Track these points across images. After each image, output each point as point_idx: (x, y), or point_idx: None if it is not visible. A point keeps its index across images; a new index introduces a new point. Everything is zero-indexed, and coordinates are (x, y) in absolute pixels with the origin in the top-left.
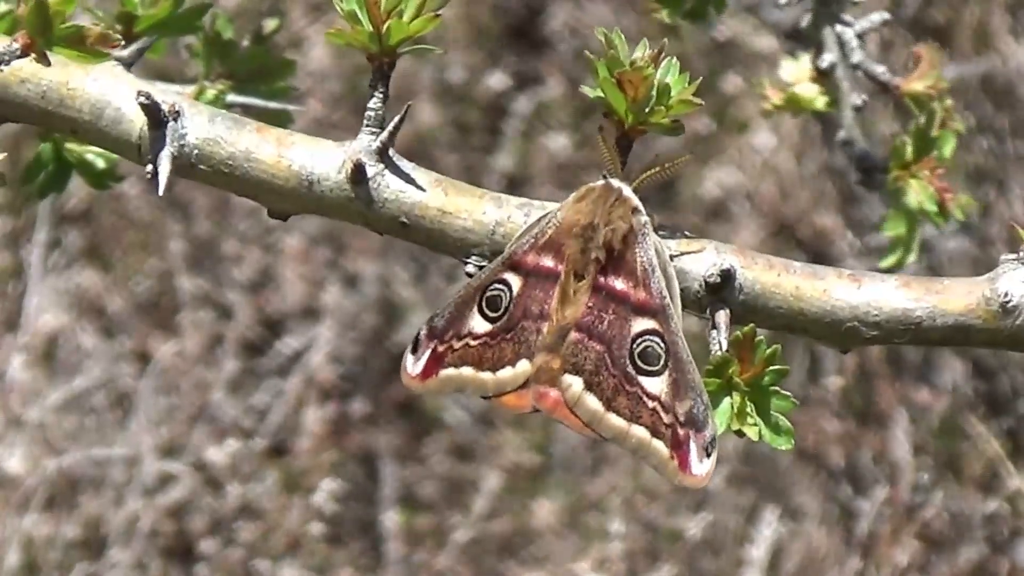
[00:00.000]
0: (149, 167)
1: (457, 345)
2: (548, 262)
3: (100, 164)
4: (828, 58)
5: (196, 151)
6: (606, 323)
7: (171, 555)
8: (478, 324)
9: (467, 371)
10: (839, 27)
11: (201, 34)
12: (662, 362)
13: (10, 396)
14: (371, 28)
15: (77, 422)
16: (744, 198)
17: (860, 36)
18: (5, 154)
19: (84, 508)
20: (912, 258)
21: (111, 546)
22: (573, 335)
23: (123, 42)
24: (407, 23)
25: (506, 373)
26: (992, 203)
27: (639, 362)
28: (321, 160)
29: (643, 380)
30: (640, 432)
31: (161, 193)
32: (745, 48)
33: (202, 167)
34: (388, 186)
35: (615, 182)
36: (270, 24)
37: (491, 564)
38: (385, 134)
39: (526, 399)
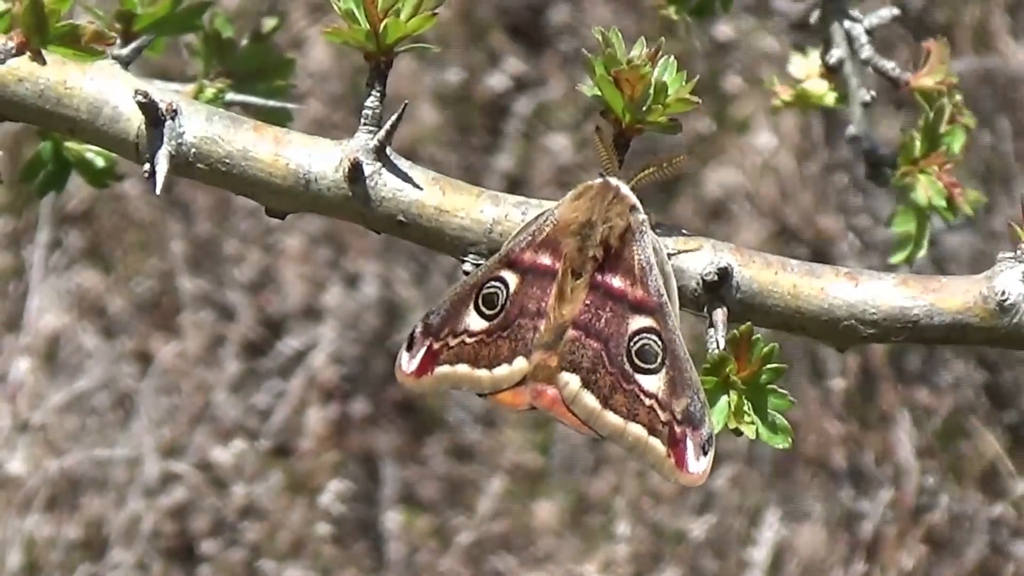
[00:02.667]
0: (147, 166)
1: (453, 342)
2: (545, 260)
3: (99, 163)
4: (836, 54)
5: (194, 149)
6: (603, 321)
7: (173, 556)
8: (474, 322)
9: (463, 368)
10: (848, 23)
11: (200, 33)
12: (659, 360)
13: (12, 397)
14: (368, 27)
15: (78, 423)
16: (745, 199)
17: (870, 32)
18: (1, 152)
19: (86, 509)
20: (922, 254)
21: (113, 547)
22: (570, 333)
23: (118, 40)
24: (404, 22)
25: (502, 370)
26: (994, 204)
27: (636, 360)
28: (318, 158)
29: (640, 378)
30: (637, 430)
31: (158, 192)
32: (746, 48)
33: (199, 165)
34: (385, 184)
35: (613, 180)
36: (269, 23)
37: (493, 565)
38: (382, 132)
39: (523, 397)
